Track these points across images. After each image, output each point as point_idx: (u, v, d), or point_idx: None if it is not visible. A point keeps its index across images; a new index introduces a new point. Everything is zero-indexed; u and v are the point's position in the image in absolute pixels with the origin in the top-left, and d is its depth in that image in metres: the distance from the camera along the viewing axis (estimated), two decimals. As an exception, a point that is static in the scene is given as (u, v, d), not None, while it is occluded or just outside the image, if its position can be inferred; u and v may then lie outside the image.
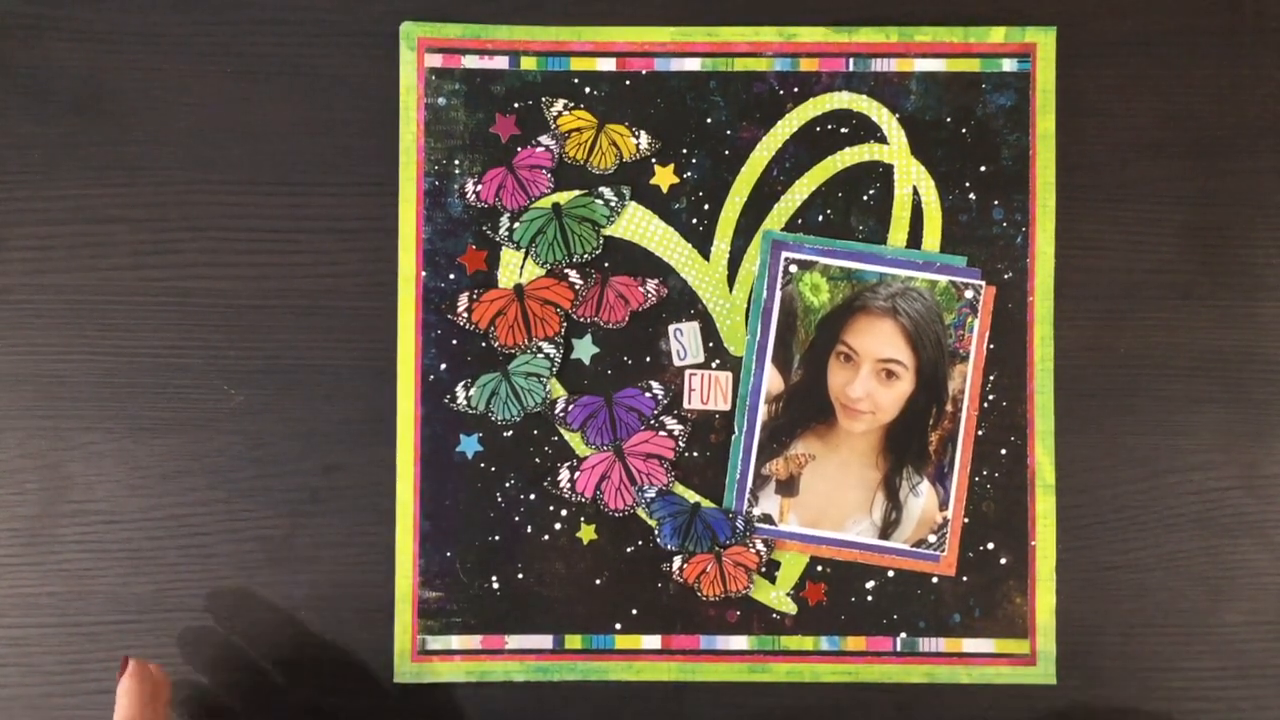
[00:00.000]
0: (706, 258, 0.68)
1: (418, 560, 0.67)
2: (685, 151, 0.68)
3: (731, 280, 0.68)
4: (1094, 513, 0.68)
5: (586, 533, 0.67)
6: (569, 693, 0.67)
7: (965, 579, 0.67)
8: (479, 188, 0.67)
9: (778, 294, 0.67)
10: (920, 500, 0.67)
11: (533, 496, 0.67)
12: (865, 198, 0.67)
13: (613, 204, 0.67)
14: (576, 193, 0.68)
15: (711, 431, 0.68)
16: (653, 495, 0.67)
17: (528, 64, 0.68)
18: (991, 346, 0.67)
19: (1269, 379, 0.68)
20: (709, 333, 0.67)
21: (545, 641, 0.67)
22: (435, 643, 0.67)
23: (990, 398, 0.67)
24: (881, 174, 0.67)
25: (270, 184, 0.68)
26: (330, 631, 0.67)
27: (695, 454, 0.68)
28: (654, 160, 0.68)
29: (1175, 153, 0.68)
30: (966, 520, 0.67)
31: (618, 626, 0.67)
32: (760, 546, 0.67)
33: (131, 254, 0.67)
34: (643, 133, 0.67)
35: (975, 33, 0.67)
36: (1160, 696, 0.68)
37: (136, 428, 0.67)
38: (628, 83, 0.68)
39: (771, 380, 0.67)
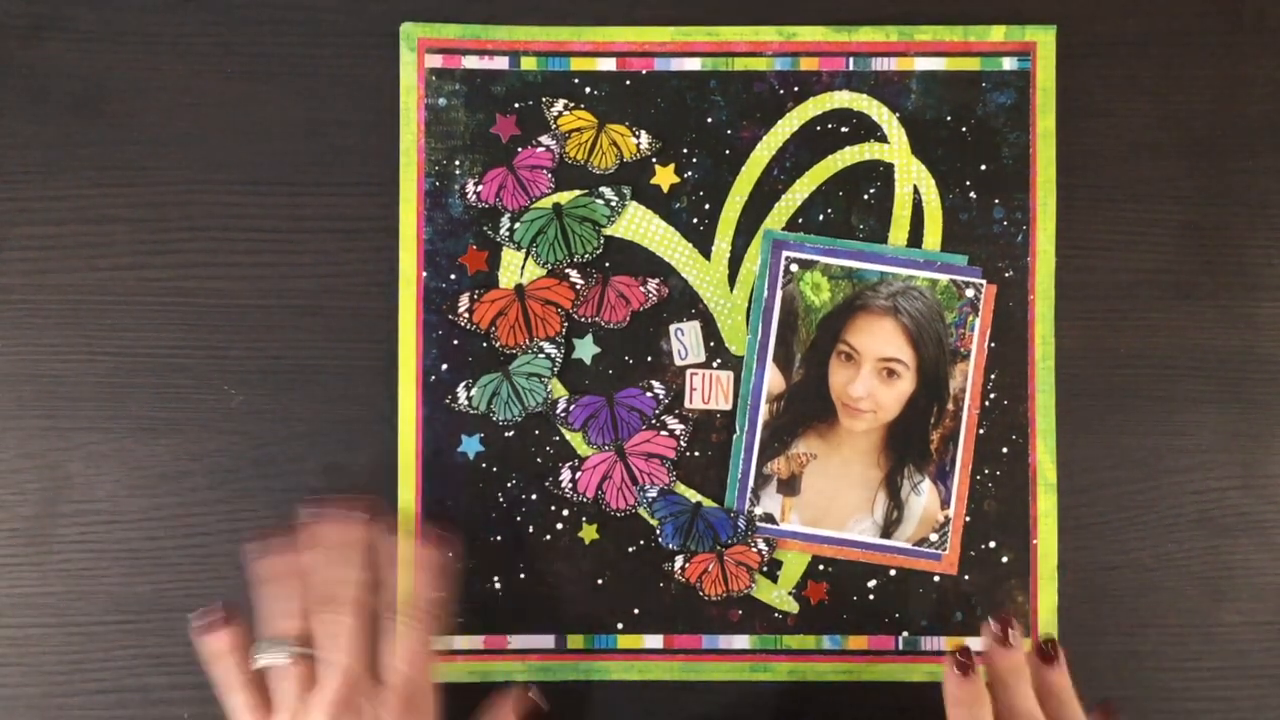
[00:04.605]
0: (707, 257, 0.68)
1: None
2: (686, 151, 0.68)
3: (732, 280, 0.68)
4: (1094, 512, 0.68)
5: (588, 532, 0.67)
6: (571, 692, 0.67)
7: (967, 577, 0.67)
8: (479, 188, 0.67)
9: (778, 293, 0.67)
10: (922, 499, 0.67)
11: (534, 497, 0.67)
12: (866, 197, 0.67)
13: (613, 204, 0.67)
14: (577, 193, 0.68)
15: (713, 431, 0.68)
16: (654, 495, 0.67)
17: (528, 64, 0.68)
18: (993, 345, 0.67)
19: (1269, 379, 0.68)
20: (710, 332, 0.67)
21: (547, 641, 0.67)
22: (437, 643, 0.66)
23: (991, 396, 0.67)
24: (882, 173, 0.67)
25: (270, 184, 0.68)
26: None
27: (697, 453, 0.68)
28: (654, 160, 0.68)
29: (1175, 153, 0.68)
30: (968, 519, 0.67)
31: (620, 626, 0.67)
32: (762, 546, 0.67)
33: (131, 254, 0.67)
34: (643, 132, 0.67)
35: (975, 31, 0.67)
36: (1160, 696, 0.68)
37: (136, 428, 0.67)
38: (628, 83, 0.68)
39: (773, 379, 0.67)
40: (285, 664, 0.57)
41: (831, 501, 0.67)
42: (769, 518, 0.67)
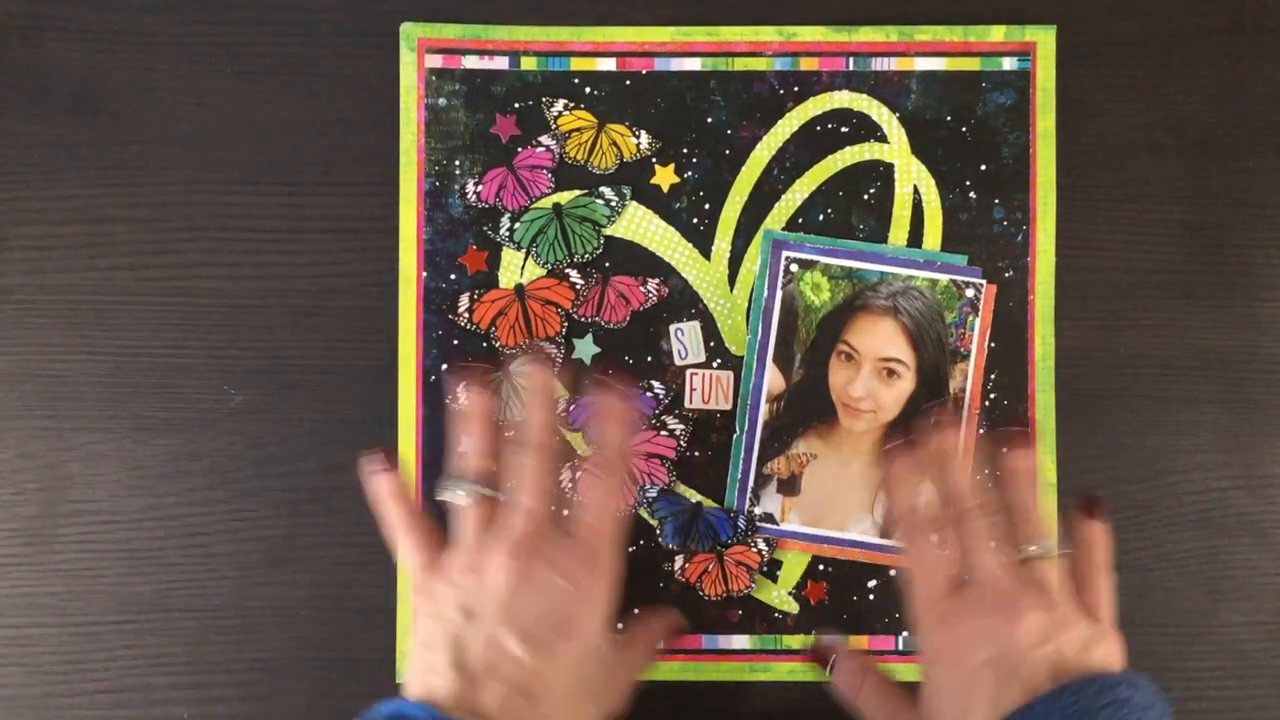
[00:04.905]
0: (707, 257, 0.68)
1: (419, 560, 0.67)
2: (686, 151, 0.68)
3: (732, 280, 0.68)
4: (1094, 513, 0.68)
5: (588, 532, 0.67)
6: (570, 693, 0.67)
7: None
8: (479, 188, 0.67)
9: (778, 293, 0.67)
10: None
11: (534, 496, 0.67)
12: (866, 197, 0.67)
13: (613, 204, 0.67)
14: (577, 193, 0.68)
15: (713, 431, 0.67)
16: (654, 495, 0.67)
17: (528, 64, 0.68)
18: (992, 345, 0.67)
19: (1269, 379, 0.68)
20: (710, 332, 0.67)
21: (547, 641, 0.67)
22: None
23: (991, 396, 0.67)
24: (882, 173, 0.67)
25: (270, 184, 0.68)
26: (330, 631, 0.67)
27: (697, 453, 0.67)
28: (654, 160, 0.68)
29: (1175, 153, 0.68)
30: (968, 519, 0.67)
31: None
32: (762, 546, 0.67)
33: (131, 254, 0.67)
34: (643, 132, 0.67)
35: (975, 31, 0.67)
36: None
37: (136, 428, 0.67)
38: (628, 83, 0.68)
39: (773, 379, 0.67)
40: (466, 501, 0.57)
41: (831, 501, 0.67)
42: (769, 518, 0.67)
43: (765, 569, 0.67)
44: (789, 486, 0.67)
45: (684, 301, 0.68)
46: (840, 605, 0.67)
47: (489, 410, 0.59)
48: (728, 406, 0.67)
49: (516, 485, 0.57)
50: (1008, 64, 0.67)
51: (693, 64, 0.68)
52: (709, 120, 0.68)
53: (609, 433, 0.59)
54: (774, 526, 0.67)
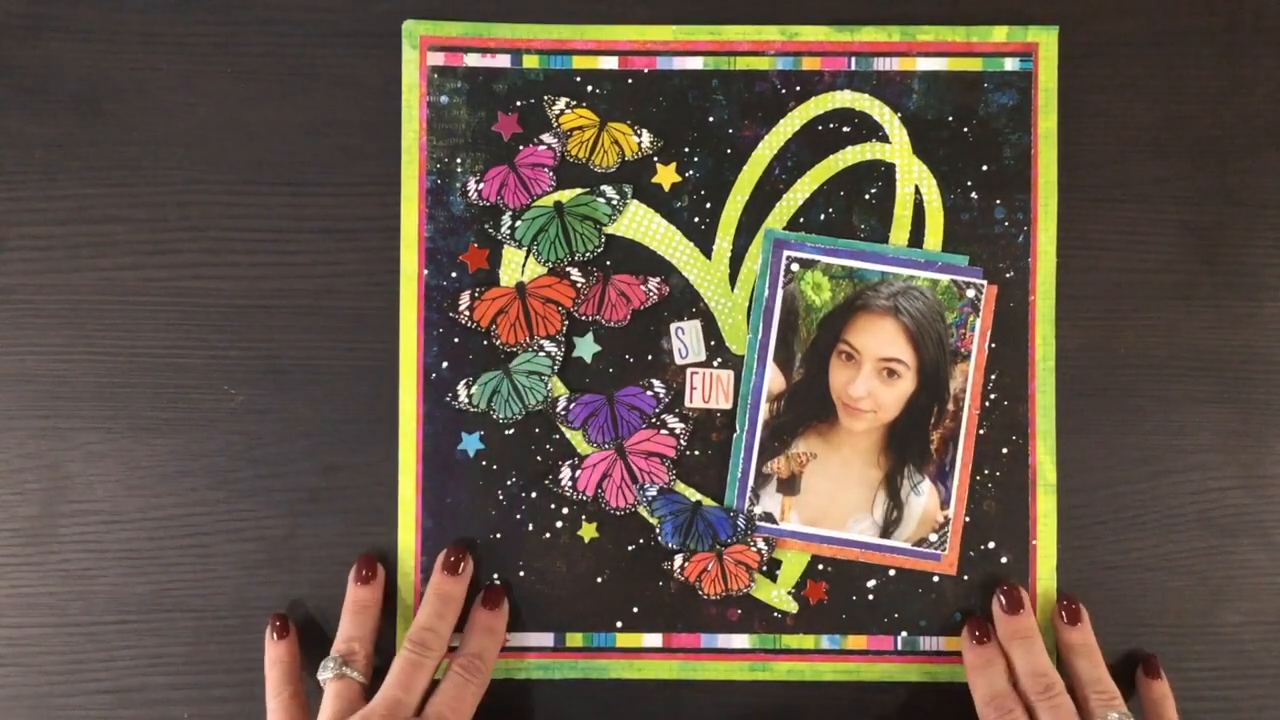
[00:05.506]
0: (708, 256, 0.68)
1: (419, 559, 0.67)
2: (687, 150, 0.68)
3: (733, 279, 0.68)
4: (1094, 513, 0.68)
5: (588, 531, 0.67)
6: (570, 691, 0.67)
7: (966, 578, 0.67)
8: (481, 186, 0.67)
9: (779, 292, 0.67)
10: (921, 499, 0.67)
11: (534, 495, 0.67)
12: (867, 197, 0.67)
13: (614, 202, 0.67)
14: (578, 191, 0.68)
15: (713, 430, 0.68)
16: (654, 494, 0.67)
17: (530, 62, 0.68)
18: (993, 345, 0.67)
19: (1269, 379, 0.68)
20: (710, 331, 0.67)
21: (546, 640, 0.67)
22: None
23: (992, 397, 0.67)
24: (883, 173, 0.67)
25: (270, 184, 0.68)
26: (331, 632, 0.67)
27: (696, 452, 0.67)
28: (656, 159, 0.68)
29: (1175, 153, 0.68)
30: (968, 519, 0.67)
31: (619, 625, 0.67)
32: (761, 545, 0.67)
33: (131, 254, 0.67)
34: (645, 131, 0.67)
35: (977, 32, 0.67)
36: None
37: (136, 428, 0.67)
38: (630, 81, 0.68)
39: (773, 379, 0.67)
40: (327, 676, 0.62)
41: (831, 501, 0.67)
42: (769, 517, 0.67)
43: (765, 568, 0.67)
44: (789, 486, 0.67)
45: (685, 300, 0.68)
46: (840, 605, 0.67)
47: (367, 602, 0.65)
48: (728, 405, 0.67)
49: (390, 675, 0.62)
50: (1010, 64, 0.67)
51: (695, 63, 0.67)
52: (710, 119, 0.68)
53: (474, 641, 0.64)
54: (773, 526, 0.67)
